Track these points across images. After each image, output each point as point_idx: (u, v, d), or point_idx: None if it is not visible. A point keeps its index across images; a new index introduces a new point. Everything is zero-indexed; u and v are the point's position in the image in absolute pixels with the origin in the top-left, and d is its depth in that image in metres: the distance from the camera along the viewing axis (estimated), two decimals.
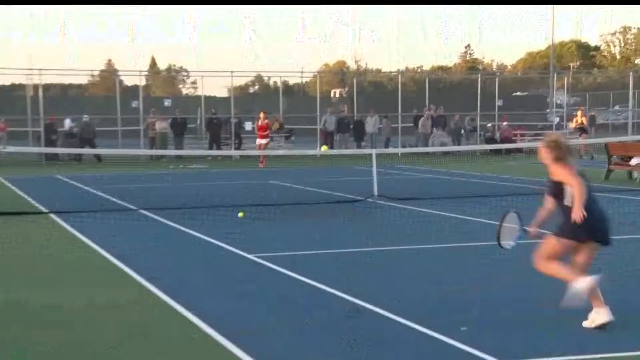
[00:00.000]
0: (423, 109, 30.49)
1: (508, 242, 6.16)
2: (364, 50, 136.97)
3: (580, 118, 27.16)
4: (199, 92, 36.09)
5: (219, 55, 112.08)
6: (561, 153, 5.72)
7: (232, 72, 28.88)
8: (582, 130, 26.22)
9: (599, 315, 5.59)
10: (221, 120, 28.62)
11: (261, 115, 24.69)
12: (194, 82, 73.59)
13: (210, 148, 27.19)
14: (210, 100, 40.36)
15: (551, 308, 6.31)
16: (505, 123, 30.36)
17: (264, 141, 24.42)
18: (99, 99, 55.09)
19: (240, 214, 11.75)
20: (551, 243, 5.82)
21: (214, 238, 9.84)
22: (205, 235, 10.12)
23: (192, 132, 32.27)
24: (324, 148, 11.47)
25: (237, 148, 27.75)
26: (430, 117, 29.31)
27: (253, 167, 22.06)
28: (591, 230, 5.62)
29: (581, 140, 22.75)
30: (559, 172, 5.71)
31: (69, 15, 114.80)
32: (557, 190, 5.74)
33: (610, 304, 5.63)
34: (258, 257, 8.54)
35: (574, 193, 5.57)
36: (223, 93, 47.66)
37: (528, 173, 18.64)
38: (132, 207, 13.14)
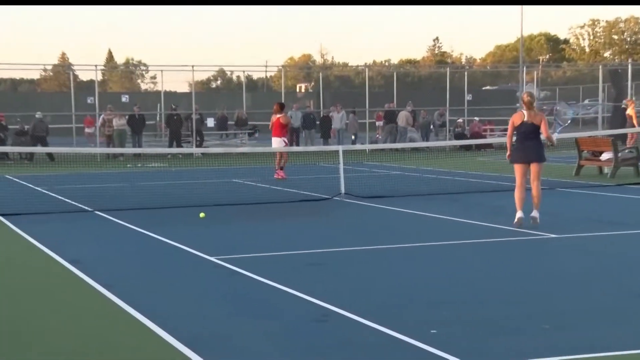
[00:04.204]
0: (390, 105, 30.60)
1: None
2: (330, 43, 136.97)
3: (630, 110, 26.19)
4: (159, 87, 35.73)
5: (180, 49, 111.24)
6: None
7: (193, 66, 28.61)
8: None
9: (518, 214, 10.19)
10: (182, 116, 28.36)
11: (275, 108, 17.83)
12: (153, 77, 73.08)
13: (171, 145, 26.92)
14: (171, 95, 40.05)
15: (521, 309, 6.35)
16: (476, 118, 30.62)
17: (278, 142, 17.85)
18: (52, 95, 54.33)
19: (201, 215, 11.66)
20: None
21: (174, 240, 9.73)
22: (164, 237, 10.00)
23: (151, 129, 31.97)
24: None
25: (199, 145, 27.54)
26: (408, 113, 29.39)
27: (215, 166, 21.91)
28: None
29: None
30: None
31: (20, 6, 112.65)
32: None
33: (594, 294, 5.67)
34: (220, 259, 8.46)
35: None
36: (184, 88, 47.31)
37: (498, 169, 18.82)
38: (87, 208, 12.95)
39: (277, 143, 18.12)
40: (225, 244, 9.63)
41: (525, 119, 10.27)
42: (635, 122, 25.32)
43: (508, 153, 10.61)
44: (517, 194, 10.33)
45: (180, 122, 27.80)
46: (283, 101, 29.53)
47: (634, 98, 31.51)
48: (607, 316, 6.08)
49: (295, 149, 22.53)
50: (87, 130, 29.78)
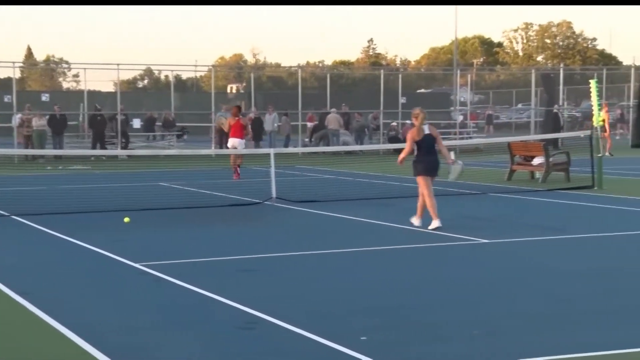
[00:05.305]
0: (325, 109, 30.76)
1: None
2: (262, 42, 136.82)
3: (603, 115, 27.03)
4: (82, 86, 35.05)
5: (105, 46, 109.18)
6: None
7: (118, 64, 28.21)
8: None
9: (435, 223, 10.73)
10: (106, 117, 27.92)
11: (234, 111, 18.98)
12: (75, 75, 71.41)
13: (94, 147, 26.46)
14: (94, 95, 39.26)
15: (451, 315, 6.51)
16: (409, 121, 31.11)
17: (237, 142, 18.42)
18: None
19: (126, 219, 11.51)
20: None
21: (96, 246, 9.58)
22: (86, 243, 9.83)
23: (74, 130, 31.32)
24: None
25: (124, 147, 27.14)
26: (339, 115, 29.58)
27: (141, 168, 21.61)
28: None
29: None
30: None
31: None
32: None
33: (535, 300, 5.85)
34: (145, 265, 8.38)
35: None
36: (109, 87, 46.41)
37: None
38: (3, 212, 12.61)
39: (239, 144, 18.66)
40: (151, 249, 9.53)
41: (426, 132, 10.94)
42: (607, 126, 26.23)
43: (402, 157, 11.05)
44: (430, 203, 10.86)
45: (104, 122, 27.36)
46: (213, 102, 29.56)
47: (604, 102, 32.62)
48: (535, 322, 6.29)
49: (225, 151, 22.42)
50: None
